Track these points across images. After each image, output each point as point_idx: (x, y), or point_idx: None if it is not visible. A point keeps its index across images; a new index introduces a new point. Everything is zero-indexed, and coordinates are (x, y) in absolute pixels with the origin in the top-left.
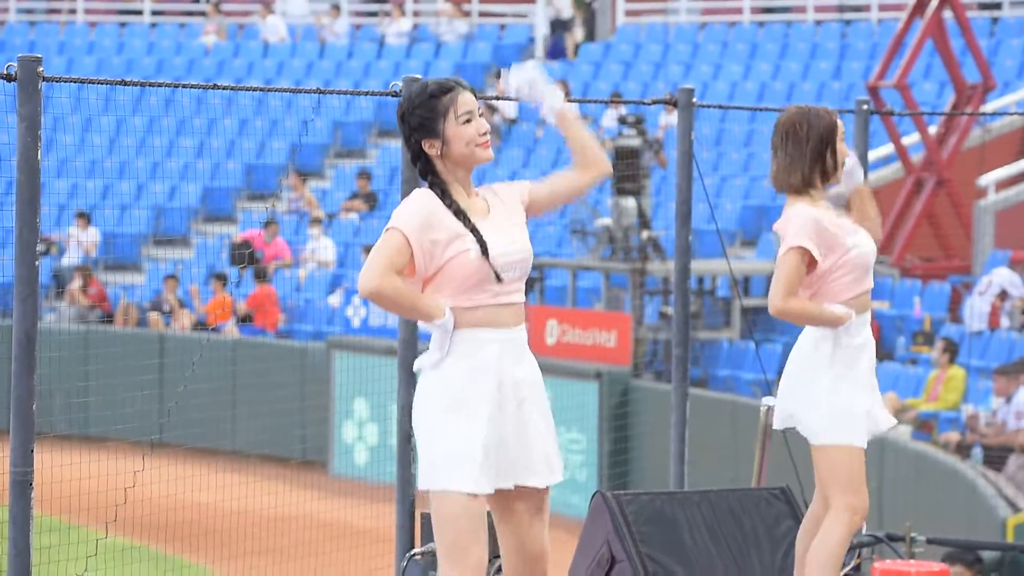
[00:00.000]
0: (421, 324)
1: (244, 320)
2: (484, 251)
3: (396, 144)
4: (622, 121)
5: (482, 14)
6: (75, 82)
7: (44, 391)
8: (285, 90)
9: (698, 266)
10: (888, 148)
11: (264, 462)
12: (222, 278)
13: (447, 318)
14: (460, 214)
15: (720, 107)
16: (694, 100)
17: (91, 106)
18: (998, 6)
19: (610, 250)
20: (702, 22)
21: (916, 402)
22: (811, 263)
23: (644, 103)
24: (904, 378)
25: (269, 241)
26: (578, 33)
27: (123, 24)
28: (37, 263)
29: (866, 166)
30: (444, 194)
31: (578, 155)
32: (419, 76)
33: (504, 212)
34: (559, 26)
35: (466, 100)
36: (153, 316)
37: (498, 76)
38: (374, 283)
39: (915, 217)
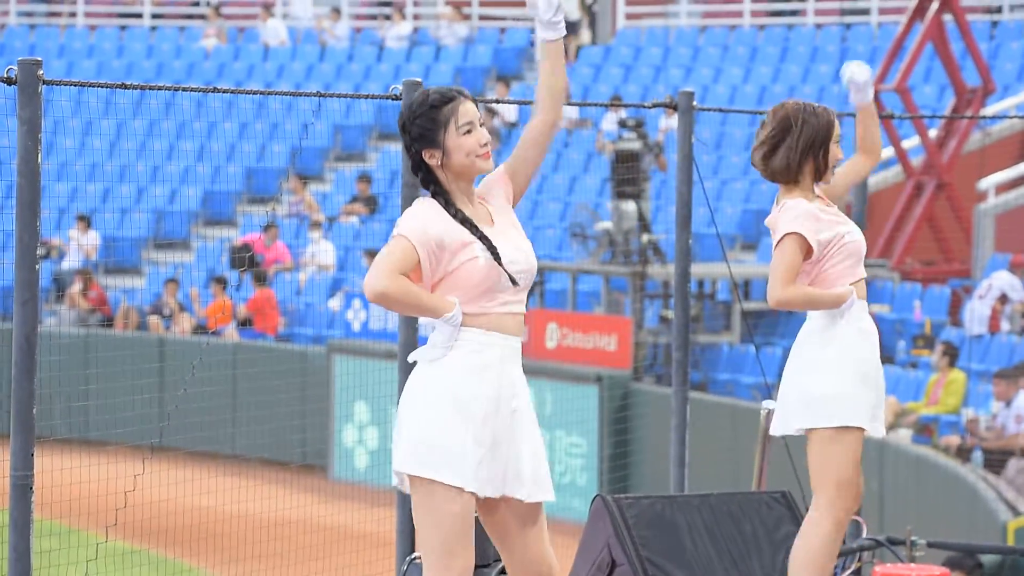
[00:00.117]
0: (424, 321)
1: (244, 324)
2: (496, 258)
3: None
4: (622, 124)
5: (482, 17)
6: (75, 85)
7: (44, 395)
8: (285, 93)
9: (698, 270)
10: (888, 151)
11: (264, 466)
12: (222, 282)
13: (456, 312)
14: (466, 222)
15: (720, 110)
16: (694, 103)
17: (91, 109)
18: (998, 9)
19: (610, 254)
20: (702, 25)
21: (916, 406)
22: (807, 252)
23: (644, 106)
24: (904, 382)
25: (269, 245)
26: (585, 35)
27: (123, 27)
28: (37, 267)
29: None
30: (448, 204)
31: (551, 89)
32: (420, 80)
33: (506, 221)
34: (567, 28)
35: (467, 110)
36: (153, 320)
37: (498, 80)
38: (381, 284)
39: (915, 221)
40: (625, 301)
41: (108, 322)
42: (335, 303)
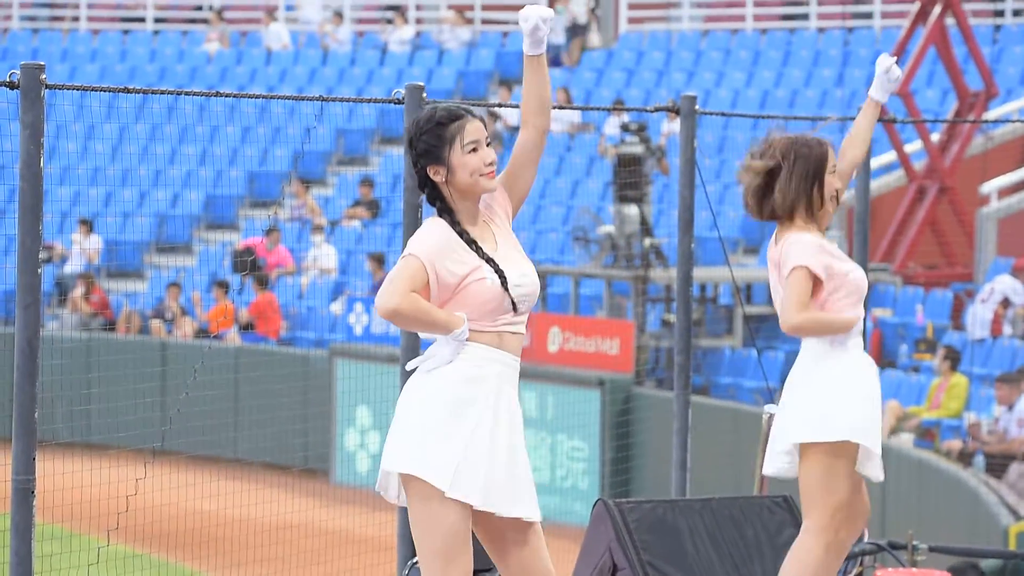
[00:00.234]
0: (428, 337)
1: (246, 328)
2: (503, 283)
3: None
4: (625, 128)
5: (485, 21)
6: (78, 89)
7: (46, 399)
8: (288, 97)
9: (700, 274)
10: (891, 155)
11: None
12: (224, 286)
13: (464, 328)
14: (473, 244)
15: (723, 114)
16: (697, 107)
17: (94, 113)
18: (1001, 14)
19: (612, 257)
20: (705, 29)
21: (918, 410)
22: (816, 285)
23: (647, 110)
24: (906, 386)
25: (271, 249)
26: (594, 39)
27: (126, 32)
28: (39, 271)
29: (868, 174)
30: (454, 222)
31: (538, 99)
32: (422, 84)
33: (509, 243)
34: (577, 31)
35: (473, 129)
36: (155, 324)
37: (501, 84)
38: (394, 302)
39: (917, 225)
40: (627, 305)
41: (110, 326)
42: (337, 307)
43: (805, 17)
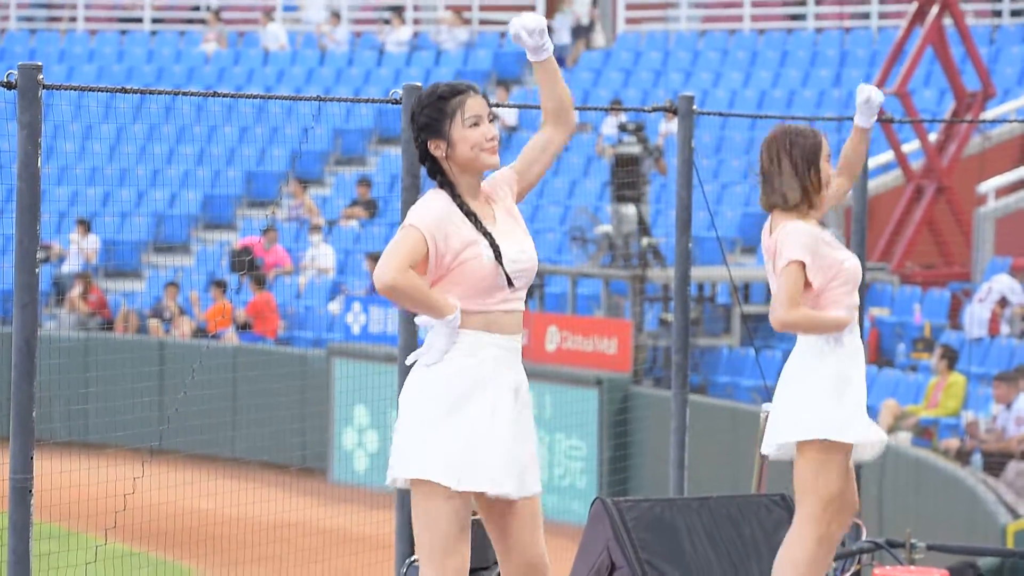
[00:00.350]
0: (420, 320)
1: (244, 327)
2: (497, 256)
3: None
4: (622, 128)
5: (482, 22)
6: (75, 90)
7: (44, 398)
8: (285, 98)
9: (698, 273)
10: (888, 155)
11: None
12: (222, 285)
13: (456, 316)
14: (471, 215)
15: (720, 114)
16: (694, 107)
17: (91, 114)
18: (998, 14)
19: (610, 257)
20: (702, 30)
21: (916, 409)
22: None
23: (644, 110)
24: (904, 385)
25: (268, 248)
26: (599, 39)
27: (123, 32)
28: (37, 270)
29: (866, 173)
30: (454, 194)
31: (555, 108)
32: (419, 84)
33: (510, 220)
34: (580, 32)
35: (475, 104)
36: (153, 323)
37: (499, 84)
38: (391, 277)
39: (915, 224)
40: (625, 304)
41: (108, 325)
42: (335, 306)
43: (803, 17)
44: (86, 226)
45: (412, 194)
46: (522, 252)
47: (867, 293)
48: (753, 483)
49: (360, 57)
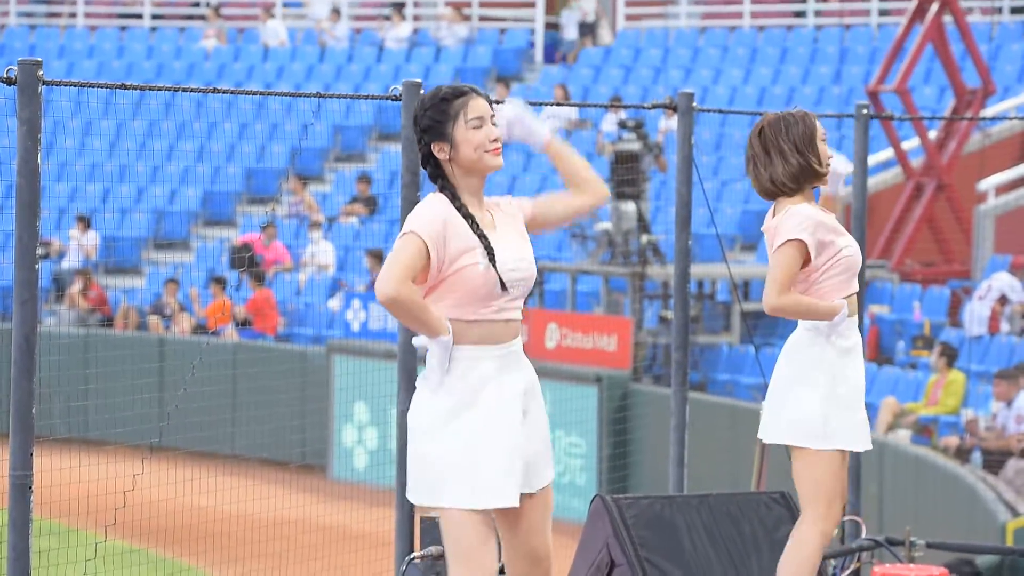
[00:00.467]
0: (417, 342)
1: (244, 324)
2: (492, 260)
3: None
4: (622, 125)
5: (482, 18)
6: (75, 86)
7: (44, 394)
8: (285, 94)
9: (698, 270)
10: (888, 152)
11: (263, 466)
12: (222, 282)
13: (450, 335)
14: (469, 218)
15: (720, 111)
16: (694, 104)
17: (91, 110)
18: (999, 11)
19: (610, 254)
20: (702, 26)
21: (916, 406)
22: (806, 260)
23: (644, 107)
24: (904, 382)
25: (267, 244)
26: (606, 35)
27: (123, 28)
28: (37, 267)
29: (866, 170)
30: (454, 197)
31: (575, 183)
32: (419, 80)
33: (510, 228)
34: (586, 30)
35: (478, 106)
36: (153, 320)
37: (498, 80)
38: (394, 290)
39: (915, 221)
40: (624, 301)
41: (108, 322)
42: (335, 303)
43: (803, 14)
44: (86, 222)
45: (412, 191)
46: (521, 260)
47: (867, 291)
48: (753, 480)
49: (360, 53)
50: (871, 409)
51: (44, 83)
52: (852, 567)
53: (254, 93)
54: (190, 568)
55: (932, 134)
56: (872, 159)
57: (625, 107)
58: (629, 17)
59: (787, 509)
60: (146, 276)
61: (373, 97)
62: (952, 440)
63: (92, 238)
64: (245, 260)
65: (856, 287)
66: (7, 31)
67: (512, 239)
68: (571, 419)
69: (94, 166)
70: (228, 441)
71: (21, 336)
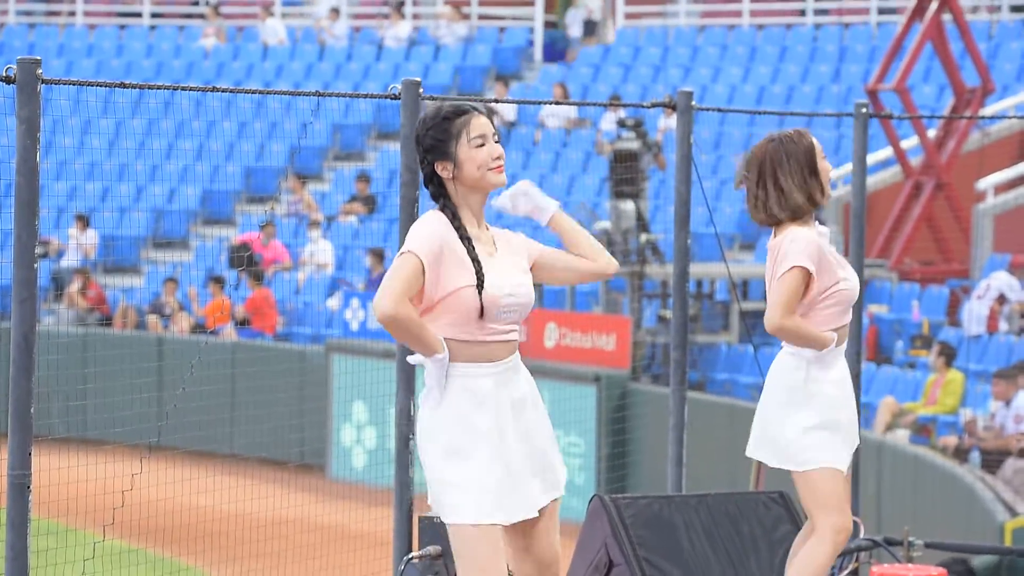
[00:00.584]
0: (412, 360)
1: (243, 323)
2: (480, 285)
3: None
4: (621, 124)
5: (481, 17)
6: (74, 84)
7: (42, 394)
8: (284, 93)
9: (697, 269)
10: (887, 151)
11: (262, 465)
12: (220, 281)
13: (445, 353)
14: (466, 240)
15: (719, 110)
16: (693, 103)
17: (90, 108)
18: (998, 9)
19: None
20: (701, 25)
21: (914, 406)
22: (808, 287)
23: (643, 106)
24: (902, 382)
25: (266, 243)
26: (610, 34)
27: (122, 26)
28: (36, 265)
29: (865, 169)
30: (454, 217)
31: (584, 253)
32: (418, 79)
33: (511, 255)
34: (590, 28)
35: (480, 124)
36: (152, 319)
37: (497, 79)
38: (391, 308)
39: (914, 221)
40: (623, 301)
41: (107, 321)
42: (333, 302)
43: (802, 13)
44: (85, 221)
45: (411, 189)
46: (518, 286)
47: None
48: (751, 480)
49: (359, 52)
50: (870, 409)
51: (43, 82)
52: (850, 567)
53: (253, 92)
54: (188, 568)
55: (931, 133)
56: (871, 158)
57: (624, 106)
58: (628, 16)
59: (785, 509)
60: (145, 275)
61: (372, 96)
62: (951, 440)
63: (91, 237)
64: (244, 259)
65: (848, 319)
66: (6, 29)
67: (510, 265)
68: (570, 418)
69: (93, 165)
70: (227, 440)
71: (20, 335)
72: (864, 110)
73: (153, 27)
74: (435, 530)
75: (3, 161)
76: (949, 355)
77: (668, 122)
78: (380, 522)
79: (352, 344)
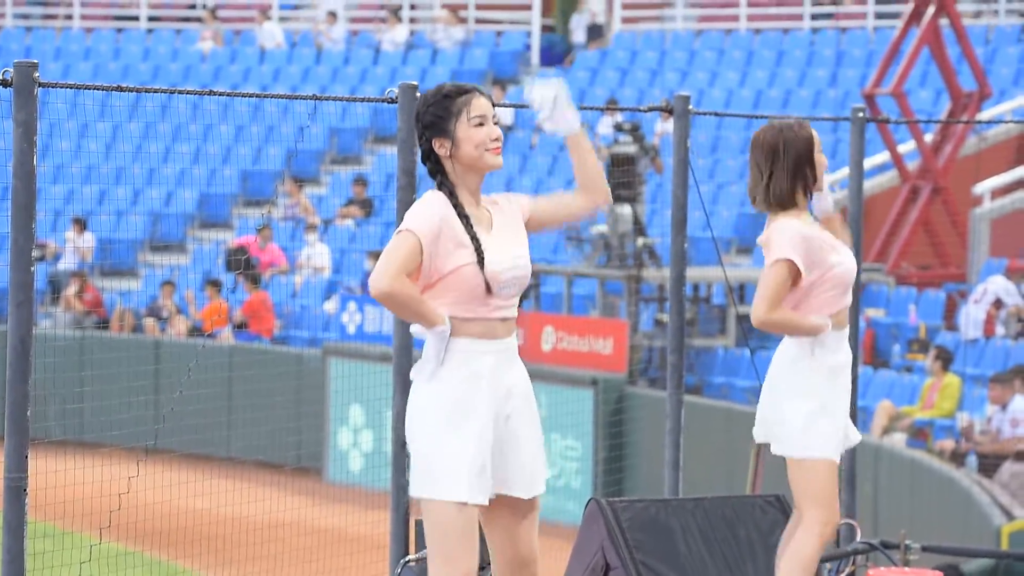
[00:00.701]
0: (415, 330)
1: (240, 326)
2: (480, 263)
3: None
4: (618, 128)
5: (479, 21)
6: (71, 88)
7: (39, 397)
8: (281, 96)
9: (693, 273)
10: (884, 156)
11: (259, 468)
12: (217, 284)
13: (447, 326)
14: (465, 218)
15: (716, 114)
16: (690, 107)
17: (87, 112)
18: (994, 14)
19: (606, 257)
20: (698, 29)
21: (911, 410)
22: (796, 277)
23: (640, 110)
24: (899, 386)
25: (263, 247)
26: (607, 39)
27: (119, 30)
28: (33, 269)
29: (861, 173)
30: (452, 195)
31: (583, 180)
32: (415, 83)
33: (508, 228)
34: (594, 32)
35: (480, 104)
36: (149, 322)
37: (495, 83)
38: (387, 285)
39: (911, 225)
40: (620, 304)
41: (103, 324)
42: (330, 306)
43: (799, 17)
44: (82, 224)
45: (408, 193)
46: (517, 258)
47: (862, 294)
48: (748, 484)
49: (356, 56)
50: (866, 413)
51: (40, 85)
52: (847, 570)
53: (250, 95)
54: (185, 571)
55: (928, 137)
56: (868, 162)
57: (621, 110)
58: (625, 20)
59: (782, 512)
60: (142, 278)
61: (369, 100)
62: (947, 443)
63: (88, 240)
64: (241, 262)
65: (848, 302)
66: (3, 33)
67: (508, 239)
68: (566, 422)
69: (90, 168)
70: (224, 444)
71: (16, 338)
72: (861, 114)
73: (150, 31)
74: None
75: (0, 164)
76: (946, 359)
77: (665, 126)
78: (377, 525)
79: (349, 348)
